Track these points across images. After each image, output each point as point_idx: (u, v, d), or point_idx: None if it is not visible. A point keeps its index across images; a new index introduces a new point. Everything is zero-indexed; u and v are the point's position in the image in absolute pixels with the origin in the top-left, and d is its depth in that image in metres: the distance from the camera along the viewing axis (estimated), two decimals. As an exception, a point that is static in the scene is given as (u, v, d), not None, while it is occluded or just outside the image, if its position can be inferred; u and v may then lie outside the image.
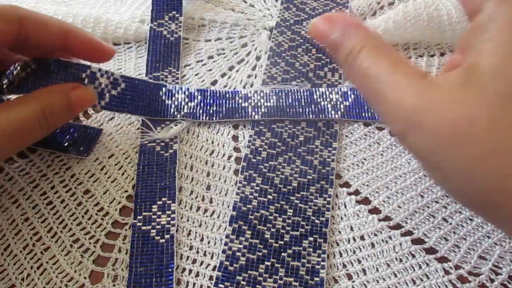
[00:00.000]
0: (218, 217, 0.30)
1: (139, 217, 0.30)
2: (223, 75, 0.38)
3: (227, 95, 0.36)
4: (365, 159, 0.33)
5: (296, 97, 0.35)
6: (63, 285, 0.27)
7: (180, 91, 0.35)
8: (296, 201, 0.30)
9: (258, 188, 0.31)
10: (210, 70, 0.39)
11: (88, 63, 0.31)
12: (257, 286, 0.27)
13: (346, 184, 0.32)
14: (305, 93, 0.35)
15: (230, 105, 0.35)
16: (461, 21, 0.37)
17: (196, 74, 0.38)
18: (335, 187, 0.32)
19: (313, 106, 0.35)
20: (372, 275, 0.28)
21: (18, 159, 0.33)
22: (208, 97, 0.35)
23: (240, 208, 0.30)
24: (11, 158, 0.33)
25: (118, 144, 0.34)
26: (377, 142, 0.34)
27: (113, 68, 0.38)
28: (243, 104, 0.35)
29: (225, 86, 0.38)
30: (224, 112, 0.35)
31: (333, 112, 0.34)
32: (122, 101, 0.32)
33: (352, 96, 0.35)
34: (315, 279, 0.27)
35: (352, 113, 0.35)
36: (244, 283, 0.27)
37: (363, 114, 0.35)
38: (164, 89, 0.35)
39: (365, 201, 0.31)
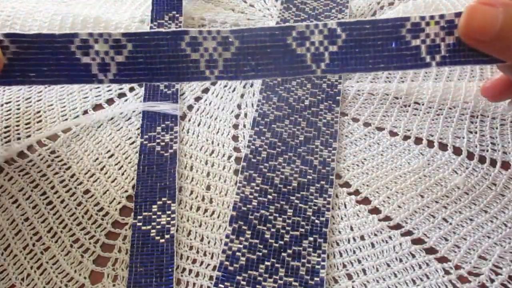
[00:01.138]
0: (218, 217, 0.30)
1: (139, 217, 0.30)
2: (223, 75, 0.38)
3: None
4: (365, 159, 0.33)
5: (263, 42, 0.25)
6: (63, 285, 0.27)
7: (208, 37, 0.24)
8: (296, 201, 0.30)
9: (258, 188, 0.31)
10: (210, 70, 0.39)
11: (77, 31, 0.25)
12: (257, 286, 0.27)
13: (346, 184, 0.32)
14: (277, 35, 0.25)
15: None
16: (461, 21, 0.37)
17: (196, 74, 0.38)
18: (335, 187, 0.32)
19: (287, 56, 0.25)
20: (372, 275, 0.28)
21: (18, 159, 0.33)
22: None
23: (240, 208, 0.30)
24: (11, 158, 0.33)
25: (118, 144, 0.34)
26: (377, 142, 0.34)
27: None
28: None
29: (225, 86, 0.38)
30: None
31: (313, 65, 0.25)
32: (134, 68, 0.24)
33: (343, 36, 0.24)
34: (315, 279, 0.27)
35: (341, 64, 0.25)
36: (244, 283, 0.27)
37: (356, 65, 0.25)
38: (186, 37, 0.24)
39: (365, 201, 0.31)
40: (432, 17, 0.25)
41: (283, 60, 0.25)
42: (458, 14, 0.24)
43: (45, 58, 0.25)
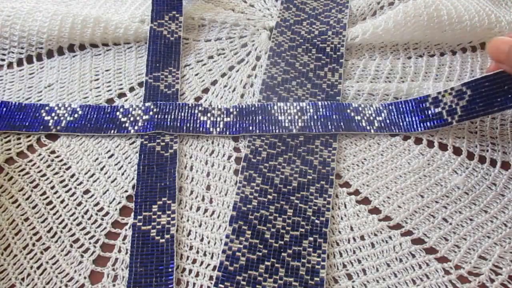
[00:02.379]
0: (218, 217, 0.30)
1: (139, 217, 0.30)
2: (223, 75, 0.38)
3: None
4: (365, 159, 0.33)
5: (331, 110, 0.34)
6: (63, 285, 0.27)
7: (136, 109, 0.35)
8: (296, 201, 0.30)
9: (258, 188, 0.31)
10: (210, 70, 0.39)
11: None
12: (257, 286, 0.27)
13: (346, 184, 0.32)
14: (340, 107, 0.35)
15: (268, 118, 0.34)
16: (461, 21, 0.37)
17: (196, 74, 0.38)
18: (335, 187, 0.32)
19: (347, 120, 0.34)
20: (372, 275, 0.28)
21: (18, 159, 0.33)
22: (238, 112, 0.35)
23: (240, 208, 0.30)
24: (11, 158, 0.33)
25: (118, 144, 0.34)
26: (377, 142, 0.34)
27: (113, 68, 0.38)
28: (280, 118, 0.34)
29: (225, 86, 0.38)
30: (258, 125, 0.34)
31: (368, 127, 0.34)
32: (80, 125, 0.34)
33: (385, 111, 0.35)
34: (315, 279, 0.27)
35: (386, 127, 0.34)
36: (244, 283, 0.27)
37: (396, 127, 0.34)
38: (121, 110, 0.35)
39: (365, 201, 0.31)
40: (445, 91, 0.33)
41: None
42: (464, 84, 0.32)
43: None
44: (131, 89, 0.37)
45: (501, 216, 0.30)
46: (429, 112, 0.33)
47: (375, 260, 0.28)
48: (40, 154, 0.33)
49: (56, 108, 0.35)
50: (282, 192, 0.31)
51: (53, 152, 0.33)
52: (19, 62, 0.39)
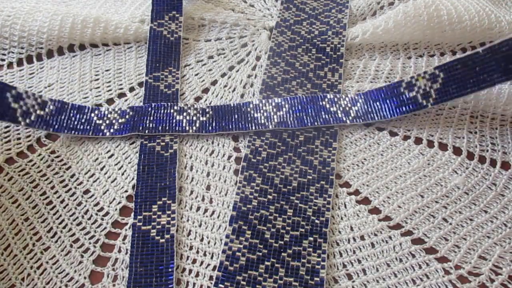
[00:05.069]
0: (218, 217, 0.30)
1: (139, 217, 0.30)
2: (223, 75, 0.38)
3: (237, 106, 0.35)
4: (365, 159, 0.33)
5: (307, 104, 0.35)
6: (63, 285, 0.27)
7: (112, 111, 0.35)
8: (296, 201, 0.30)
9: (258, 188, 0.31)
10: (210, 70, 0.39)
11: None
12: (257, 286, 0.27)
13: (346, 184, 0.32)
14: (315, 99, 0.35)
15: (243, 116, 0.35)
16: (461, 21, 0.37)
17: (196, 74, 0.38)
18: (335, 187, 0.32)
19: (322, 112, 0.34)
20: (372, 275, 0.28)
21: (18, 159, 0.33)
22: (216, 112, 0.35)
23: (240, 208, 0.30)
24: (11, 158, 0.33)
25: (118, 144, 0.34)
26: (377, 142, 0.34)
27: (113, 68, 0.38)
28: (255, 115, 0.35)
29: (225, 86, 0.38)
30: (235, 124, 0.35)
31: (344, 118, 0.34)
32: (49, 121, 0.33)
33: (360, 101, 0.35)
34: (315, 279, 0.27)
35: (362, 116, 0.34)
36: (244, 283, 0.27)
37: (373, 115, 0.34)
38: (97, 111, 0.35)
39: (365, 201, 0.31)
40: (419, 75, 0.33)
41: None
42: (437, 68, 0.33)
43: None
44: (131, 89, 0.37)
45: (501, 216, 0.30)
46: (404, 97, 0.34)
47: (375, 260, 0.28)
48: (40, 154, 0.33)
49: (25, 96, 0.33)
50: (282, 192, 0.31)
51: (53, 152, 0.33)
52: (19, 62, 0.39)
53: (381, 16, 0.40)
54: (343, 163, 0.33)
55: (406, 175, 0.32)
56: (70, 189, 0.31)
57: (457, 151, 0.33)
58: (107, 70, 0.38)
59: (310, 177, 0.32)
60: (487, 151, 0.33)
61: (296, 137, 0.34)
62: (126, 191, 0.32)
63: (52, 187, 0.31)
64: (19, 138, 0.34)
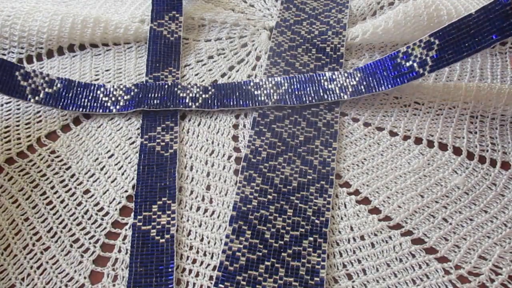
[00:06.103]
0: (218, 217, 0.30)
1: (139, 217, 0.30)
2: (223, 75, 0.38)
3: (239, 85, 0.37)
4: (365, 159, 0.33)
5: (305, 82, 0.36)
6: (63, 285, 0.27)
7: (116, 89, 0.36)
8: (296, 201, 0.30)
9: (258, 188, 0.31)
10: (210, 70, 0.39)
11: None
12: (257, 286, 0.27)
13: (346, 184, 0.32)
14: (313, 78, 0.36)
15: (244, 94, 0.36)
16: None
17: (196, 74, 0.38)
18: (335, 187, 0.31)
19: (321, 90, 0.35)
20: (372, 275, 0.28)
21: (18, 159, 0.33)
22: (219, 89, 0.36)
23: (240, 208, 0.30)
24: (11, 158, 0.33)
25: (118, 144, 0.34)
26: (377, 142, 0.34)
27: (113, 68, 0.38)
28: (256, 92, 0.36)
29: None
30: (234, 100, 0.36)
31: (342, 94, 0.35)
32: (58, 98, 0.35)
33: (359, 75, 0.36)
34: (315, 279, 0.27)
35: (360, 90, 0.35)
36: (244, 283, 0.27)
37: (371, 88, 0.35)
38: (102, 88, 0.36)
39: (365, 201, 0.31)
40: (414, 44, 0.34)
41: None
42: (432, 35, 0.33)
43: None
44: (131, 89, 0.37)
45: (501, 216, 0.30)
46: (401, 67, 0.34)
47: (375, 260, 0.28)
48: (40, 154, 0.33)
49: (33, 75, 0.35)
50: (282, 192, 0.31)
51: (53, 152, 0.33)
52: (19, 62, 0.39)
53: (381, 16, 0.40)
54: (343, 163, 0.33)
55: (406, 175, 0.32)
56: (70, 189, 0.31)
57: (457, 151, 0.33)
58: (107, 70, 0.38)
59: (310, 177, 0.32)
60: (487, 151, 0.33)
61: (296, 137, 0.34)
62: (126, 191, 0.32)
63: (52, 187, 0.31)
64: (19, 138, 0.34)
